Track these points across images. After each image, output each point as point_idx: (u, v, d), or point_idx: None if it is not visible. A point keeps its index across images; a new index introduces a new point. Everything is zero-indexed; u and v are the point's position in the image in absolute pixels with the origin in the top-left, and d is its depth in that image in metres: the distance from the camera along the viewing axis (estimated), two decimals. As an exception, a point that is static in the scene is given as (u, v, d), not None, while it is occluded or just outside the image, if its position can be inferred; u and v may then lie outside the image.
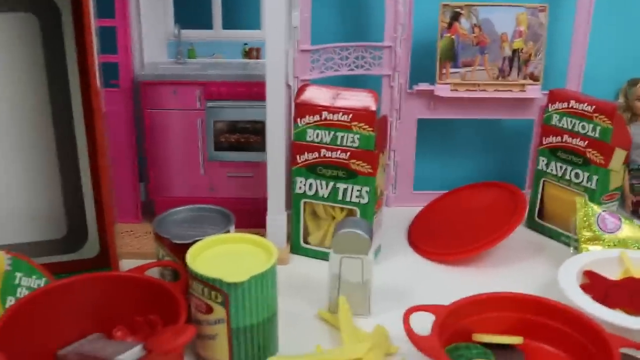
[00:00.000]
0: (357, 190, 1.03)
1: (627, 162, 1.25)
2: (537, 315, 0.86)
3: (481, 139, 1.36)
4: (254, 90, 1.09)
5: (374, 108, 1.01)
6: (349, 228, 0.90)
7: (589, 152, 1.09)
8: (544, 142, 1.15)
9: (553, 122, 1.14)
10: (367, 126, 1.01)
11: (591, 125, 1.08)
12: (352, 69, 1.18)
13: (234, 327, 0.79)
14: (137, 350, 0.71)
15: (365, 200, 1.04)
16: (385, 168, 1.13)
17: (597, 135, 1.08)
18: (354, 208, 1.04)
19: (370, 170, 1.02)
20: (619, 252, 1.01)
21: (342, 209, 1.06)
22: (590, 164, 1.09)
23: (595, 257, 1.00)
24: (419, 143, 1.24)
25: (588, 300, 0.90)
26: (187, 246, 0.82)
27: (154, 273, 0.87)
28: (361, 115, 1.01)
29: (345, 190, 1.04)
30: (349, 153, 1.02)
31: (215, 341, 0.80)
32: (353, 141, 1.02)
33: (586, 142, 1.09)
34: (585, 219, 1.04)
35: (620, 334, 0.81)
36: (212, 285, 0.77)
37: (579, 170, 1.11)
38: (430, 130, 1.27)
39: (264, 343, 0.82)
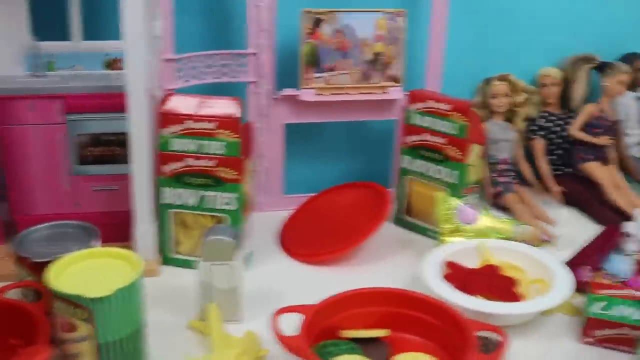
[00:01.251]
0: (225, 198, 1.04)
1: (485, 157, 1.33)
2: (401, 308, 0.89)
3: (348, 140, 1.39)
4: (117, 102, 1.06)
5: (238, 115, 1.02)
6: (215, 235, 0.90)
7: (448, 148, 1.14)
8: (407, 141, 1.20)
9: (414, 122, 1.18)
10: (232, 133, 1.01)
11: (449, 123, 1.14)
12: (218, 77, 1.19)
13: (101, 343, 0.77)
14: None
15: (233, 207, 1.04)
16: (254, 174, 1.14)
17: (454, 132, 1.13)
18: (223, 215, 1.05)
19: (237, 177, 1.03)
20: (478, 242, 1.06)
21: (211, 217, 1.06)
22: (450, 160, 1.14)
23: (456, 248, 1.05)
24: (287, 147, 1.26)
25: (449, 289, 0.94)
26: (47, 264, 0.80)
27: (17, 294, 0.84)
28: (225, 122, 1.01)
29: (213, 198, 1.04)
30: (215, 161, 1.02)
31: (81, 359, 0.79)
32: (219, 148, 1.02)
33: (445, 139, 1.15)
34: (446, 212, 1.09)
35: (481, 319, 0.86)
36: (74, 302, 0.75)
37: (440, 167, 1.16)
38: (297, 134, 1.29)
39: (132, 357, 0.81)
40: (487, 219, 1.10)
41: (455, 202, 1.10)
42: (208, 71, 1.18)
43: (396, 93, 1.24)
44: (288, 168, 1.28)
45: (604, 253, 1.06)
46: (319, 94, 1.21)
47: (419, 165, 1.19)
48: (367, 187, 1.21)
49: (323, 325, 0.85)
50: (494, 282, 0.99)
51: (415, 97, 1.18)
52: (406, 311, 0.89)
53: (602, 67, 1.39)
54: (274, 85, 1.21)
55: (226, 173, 1.03)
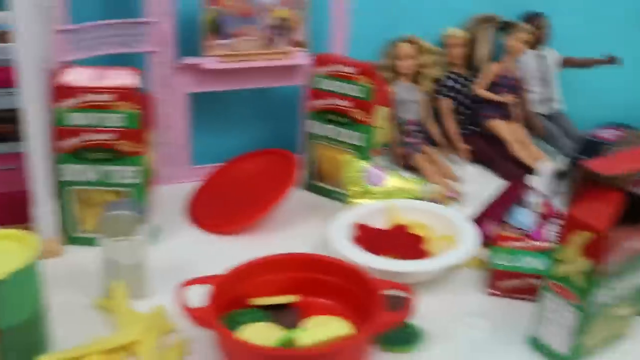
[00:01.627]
0: (127, 171, 1.01)
1: (393, 118, 1.34)
2: (309, 272, 0.89)
3: (254, 108, 1.37)
4: (7, 77, 1.01)
5: (136, 85, 0.98)
6: (115, 210, 0.87)
7: (354, 111, 1.14)
8: (313, 106, 1.19)
9: (320, 86, 1.18)
10: (131, 104, 0.98)
11: (354, 86, 1.14)
12: (116, 48, 1.14)
13: (1, 329, 0.74)
14: None
15: (136, 181, 1.01)
16: (158, 146, 1.12)
17: (360, 95, 1.13)
18: (126, 190, 1.02)
19: (138, 150, 1.00)
20: (386, 203, 1.07)
21: (114, 192, 1.03)
22: (357, 123, 1.15)
23: (365, 210, 1.06)
24: (192, 118, 1.23)
25: (357, 250, 0.95)
26: None
27: None
28: (124, 94, 0.98)
29: (114, 172, 1.01)
30: (115, 134, 0.99)
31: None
32: (118, 121, 0.99)
33: (351, 102, 1.14)
34: (353, 175, 1.09)
35: (391, 279, 0.87)
36: None
37: (346, 130, 1.16)
38: (202, 103, 1.26)
39: (35, 340, 0.78)
40: (394, 180, 1.11)
41: (362, 164, 1.11)
42: (105, 42, 1.13)
43: (302, 58, 1.22)
44: (194, 139, 1.25)
45: (509, 207, 1.09)
46: (222, 62, 1.18)
47: (326, 129, 1.19)
48: (275, 153, 1.20)
49: (232, 294, 0.85)
50: (401, 241, 1.00)
51: (320, 61, 1.18)
52: (315, 275, 0.89)
53: (505, 27, 1.41)
54: (175, 55, 1.18)
55: (127, 146, 0.99)
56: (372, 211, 1.06)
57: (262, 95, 1.35)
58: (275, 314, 0.85)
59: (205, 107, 1.28)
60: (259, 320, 0.82)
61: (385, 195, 1.09)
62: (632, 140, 1.14)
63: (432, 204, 1.09)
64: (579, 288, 0.76)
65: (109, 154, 1.00)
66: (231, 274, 0.85)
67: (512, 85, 1.42)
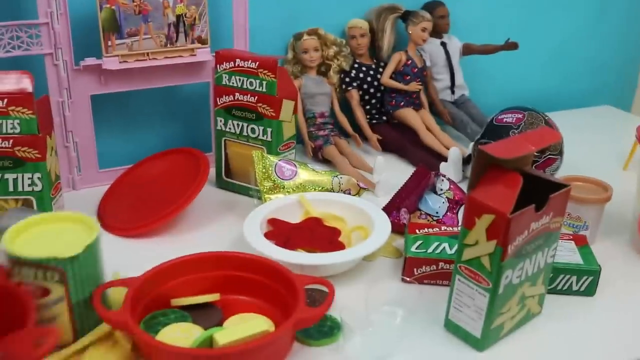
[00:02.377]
0: (28, 179, 0.97)
1: (301, 112, 1.34)
2: (229, 270, 0.88)
3: (162, 107, 1.34)
4: None
5: (30, 89, 0.95)
6: (9, 220, 0.84)
7: (260, 106, 1.13)
8: (219, 103, 1.18)
9: (224, 82, 1.16)
10: (26, 109, 0.95)
11: (258, 81, 1.13)
12: (8, 51, 1.09)
13: (75, 302, 0.78)
14: None
15: (38, 188, 0.98)
16: (60, 150, 1.08)
17: (264, 89, 1.12)
18: (29, 197, 0.98)
19: (38, 156, 0.97)
20: (298, 197, 1.07)
21: (16, 201, 0.99)
22: (263, 118, 1.14)
23: (277, 204, 1.05)
24: (97, 120, 1.19)
25: (271, 246, 0.94)
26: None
27: None
28: (17, 98, 0.94)
29: (15, 180, 0.97)
30: (11, 141, 0.95)
31: (57, 322, 0.78)
32: (14, 127, 0.95)
33: (256, 97, 1.13)
34: (264, 170, 1.09)
35: (308, 272, 0.87)
36: (45, 265, 0.74)
37: (254, 125, 1.15)
38: (107, 105, 1.23)
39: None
40: (305, 173, 1.10)
41: (272, 159, 1.10)
42: (-2, 45, 1.09)
43: (204, 55, 1.20)
44: (101, 142, 1.21)
45: (420, 194, 1.10)
46: (123, 62, 1.15)
47: (233, 125, 1.18)
48: (184, 152, 1.18)
49: (151, 296, 0.83)
50: (316, 235, 1.00)
51: (221, 57, 1.16)
52: (235, 273, 0.88)
53: (406, 16, 1.43)
54: (73, 56, 1.13)
55: (26, 152, 0.96)
56: (284, 206, 1.05)
57: (169, 94, 1.32)
58: (197, 314, 0.83)
59: (110, 108, 1.25)
60: (178, 321, 0.81)
61: (297, 189, 1.09)
62: (532, 123, 1.18)
63: (344, 195, 1.10)
64: (487, 270, 0.78)
65: (8, 162, 0.96)
66: (148, 276, 0.83)
67: (417, 73, 1.44)
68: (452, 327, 0.86)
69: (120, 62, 1.15)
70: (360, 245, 0.96)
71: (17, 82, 0.95)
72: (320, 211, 1.06)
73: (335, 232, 1.01)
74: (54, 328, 0.70)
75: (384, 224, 1.01)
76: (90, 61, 1.15)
